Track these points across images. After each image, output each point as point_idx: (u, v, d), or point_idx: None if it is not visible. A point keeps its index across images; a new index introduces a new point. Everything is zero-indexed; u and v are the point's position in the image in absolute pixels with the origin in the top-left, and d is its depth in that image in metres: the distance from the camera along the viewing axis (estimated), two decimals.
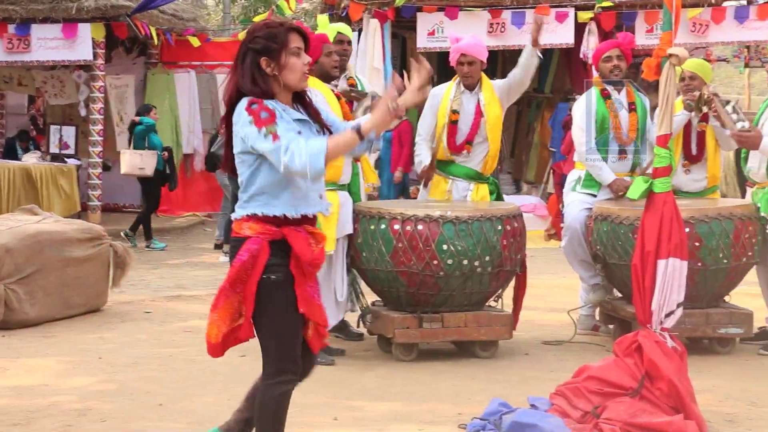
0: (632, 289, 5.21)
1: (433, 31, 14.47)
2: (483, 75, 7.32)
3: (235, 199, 11.95)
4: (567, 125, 12.52)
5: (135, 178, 13.98)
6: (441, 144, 7.28)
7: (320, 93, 6.31)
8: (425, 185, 7.41)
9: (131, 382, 6.19)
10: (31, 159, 14.87)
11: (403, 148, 13.96)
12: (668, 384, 4.94)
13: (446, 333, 6.76)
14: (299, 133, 3.87)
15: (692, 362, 5.46)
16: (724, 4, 14.91)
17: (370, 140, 3.98)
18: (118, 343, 7.39)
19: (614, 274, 7.06)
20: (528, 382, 6.09)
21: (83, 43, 14.72)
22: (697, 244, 6.58)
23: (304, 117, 3.99)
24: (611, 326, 7.44)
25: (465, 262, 6.51)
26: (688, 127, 7.34)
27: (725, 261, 6.72)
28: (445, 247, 6.46)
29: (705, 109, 7.14)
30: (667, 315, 5.10)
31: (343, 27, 7.36)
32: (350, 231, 6.77)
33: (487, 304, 6.97)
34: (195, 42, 16.62)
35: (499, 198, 7.44)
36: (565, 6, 14.57)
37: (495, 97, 7.27)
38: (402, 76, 4.14)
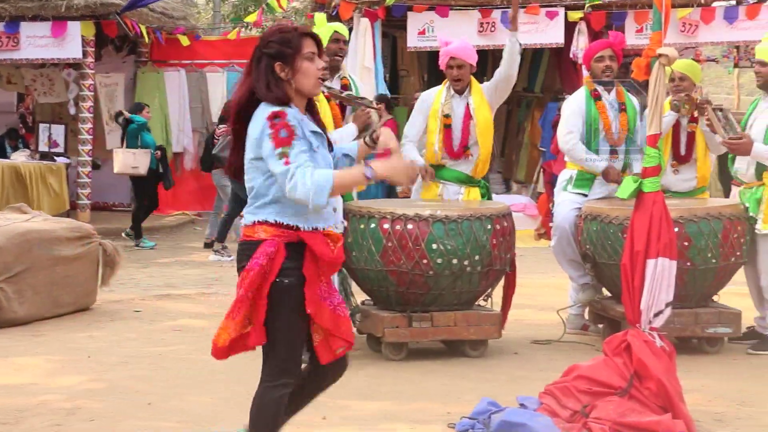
0: (621, 288, 5.22)
1: (424, 31, 14.47)
2: (472, 79, 7.32)
3: (236, 198, 12.04)
4: (557, 125, 12.52)
5: (126, 176, 13.95)
6: (432, 148, 7.27)
7: None
8: (426, 180, 7.31)
9: (120, 381, 6.19)
10: (20, 157, 14.82)
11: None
12: (657, 383, 4.95)
13: (436, 332, 6.76)
14: (315, 149, 3.86)
15: (681, 362, 5.47)
16: (714, 4, 14.94)
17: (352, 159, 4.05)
18: (108, 342, 7.38)
19: (603, 273, 7.08)
20: (517, 382, 6.10)
21: (73, 41, 14.68)
22: (686, 243, 6.60)
23: (318, 130, 3.96)
24: (600, 326, 7.46)
25: (454, 261, 6.52)
26: (677, 127, 7.36)
27: (714, 261, 6.74)
28: (434, 246, 6.47)
29: (696, 113, 7.16)
30: (656, 314, 5.12)
31: (339, 26, 7.33)
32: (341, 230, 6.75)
33: (476, 303, 6.98)
34: (184, 41, 16.61)
35: (488, 199, 7.45)
36: (555, 5, 14.60)
37: (484, 100, 7.28)
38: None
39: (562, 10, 14.55)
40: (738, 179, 7.24)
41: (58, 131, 15.32)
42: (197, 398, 5.75)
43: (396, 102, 16.11)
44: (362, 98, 6.79)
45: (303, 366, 4.09)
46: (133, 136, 13.37)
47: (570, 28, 14.61)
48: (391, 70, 16.72)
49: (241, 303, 3.88)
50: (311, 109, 4.03)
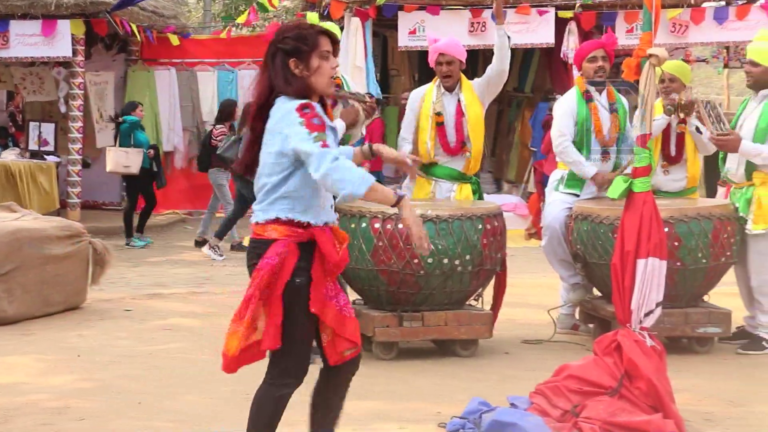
0: (612, 288, 5.23)
1: (415, 30, 14.48)
2: (462, 75, 7.32)
3: (241, 198, 12.02)
4: (547, 125, 12.55)
5: (116, 175, 13.91)
6: (424, 147, 7.26)
7: None
8: (412, 177, 7.31)
9: (110, 380, 6.17)
10: (10, 156, 14.78)
11: None
12: (647, 383, 4.96)
13: (426, 332, 6.77)
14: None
15: (671, 361, 5.49)
16: (704, 4, 14.97)
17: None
18: (98, 341, 7.36)
19: (594, 273, 7.09)
20: (508, 381, 6.11)
21: (62, 40, 14.64)
22: (676, 243, 6.62)
23: (334, 125, 3.96)
24: (591, 325, 7.47)
25: (445, 261, 6.52)
26: (667, 128, 7.36)
27: (704, 261, 6.75)
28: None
29: (683, 115, 7.18)
30: (647, 314, 5.13)
31: (332, 26, 7.33)
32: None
33: (467, 303, 6.99)
34: (174, 40, 16.58)
35: (480, 198, 7.45)
36: (546, 5, 14.62)
37: (475, 96, 7.27)
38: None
39: (552, 10, 14.57)
40: (728, 179, 7.26)
41: (48, 130, 15.28)
42: (188, 398, 5.75)
43: (387, 101, 16.13)
44: (354, 93, 6.80)
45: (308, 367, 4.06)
46: (126, 135, 13.34)
47: (560, 28, 14.63)
48: (382, 69, 16.72)
49: (249, 303, 3.83)
50: (323, 109, 4.01)
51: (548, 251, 7.46)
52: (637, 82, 5.23)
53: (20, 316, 7.95)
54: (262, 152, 3.92)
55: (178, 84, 16.89)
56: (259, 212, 3.93)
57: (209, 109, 16.73)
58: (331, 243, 3.91)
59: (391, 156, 4.32)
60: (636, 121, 5.24)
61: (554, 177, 7.56)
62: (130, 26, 15.37)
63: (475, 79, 7.41)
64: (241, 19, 17.30)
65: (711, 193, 12.82)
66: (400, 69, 16.95)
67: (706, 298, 7.18)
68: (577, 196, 7.34)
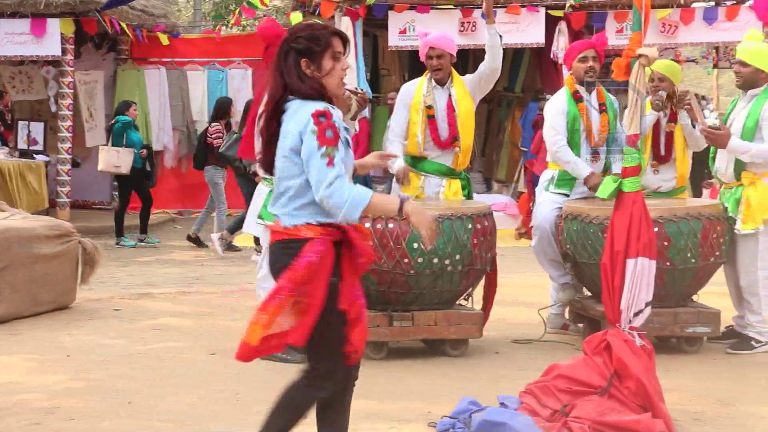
0: (601, 288, 5.24)
1: (405, 30, 14.49)
2: (453, 70, 7.32)
3: (249, 197, 11.95)
4: (537, 124, 12.57)
5: (106, 175, 13.89)
6: (414, 140, 7.25)
7: None
8: (402, 183, 7.33)
9: (100, 379, 6.16)
10: None
11: (359, 146, 13.88)
12: (636, 383, 4.97)
13: (416, 331, 6.76)
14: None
15: (660, 361, 5.50)
16: (693, 5, 15.02)
17: None
18: (87, 340, 7.34)
19: (584, 273, 7.10)
20: (498, 381, 6.11)
21: (52, 39, 14.62)
22: (665, 243, 6.63)
23: (348, 136, 3.93)
24: (581, 325, 7.47)
25: (435, 260, 6.52)
26: (657, 127, 7.38)
27: (693, 261, 6.76)
28: (415, 245, 6.47)
29: (673, 107, 7.20)
30: (636, 314, 5.14)
31: None
32: None
33: (457, 302, 6.99)
34: (164, 40, 16.56)
35: (469, 194, 7.45)
36: (536, 4, 14.64)
37: (466, 91, 7.27)
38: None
39: (543, 10, 14.60)
40: (717, 179, 7.28)
41: (38, 129, 15.24)
42: (177, 397, 5.73)
43: (378, 101, 16.13)
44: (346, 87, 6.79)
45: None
46: (118, 134, 13.32)
47: (551, 28, 14.66)
48: (372, 69, 16.73)
49: (278, 294, 3.77)
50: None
51: (538, 251, 7.47)
52: (627, 82, 5.24)
53: (9, 315, 7.93)
54: (278, 155, 3.90)
55: (168, 83, 16.88)
56: (285, 217, 3.88)
57: (199, 108, 16.73)
58: (362, 239, 3.92)
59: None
60: (626, 121, 5.25)
61: (545, 177, 7.56)
62: (120, 25, 15.34)
63: (467, 75, 7.41)
64: (234, 22, 17.29)
65: (696, 194, 12.86)
66: (391, 68, 16.95)
67: (695, 297, 7.20)
68: (568, 196, 7.35)
